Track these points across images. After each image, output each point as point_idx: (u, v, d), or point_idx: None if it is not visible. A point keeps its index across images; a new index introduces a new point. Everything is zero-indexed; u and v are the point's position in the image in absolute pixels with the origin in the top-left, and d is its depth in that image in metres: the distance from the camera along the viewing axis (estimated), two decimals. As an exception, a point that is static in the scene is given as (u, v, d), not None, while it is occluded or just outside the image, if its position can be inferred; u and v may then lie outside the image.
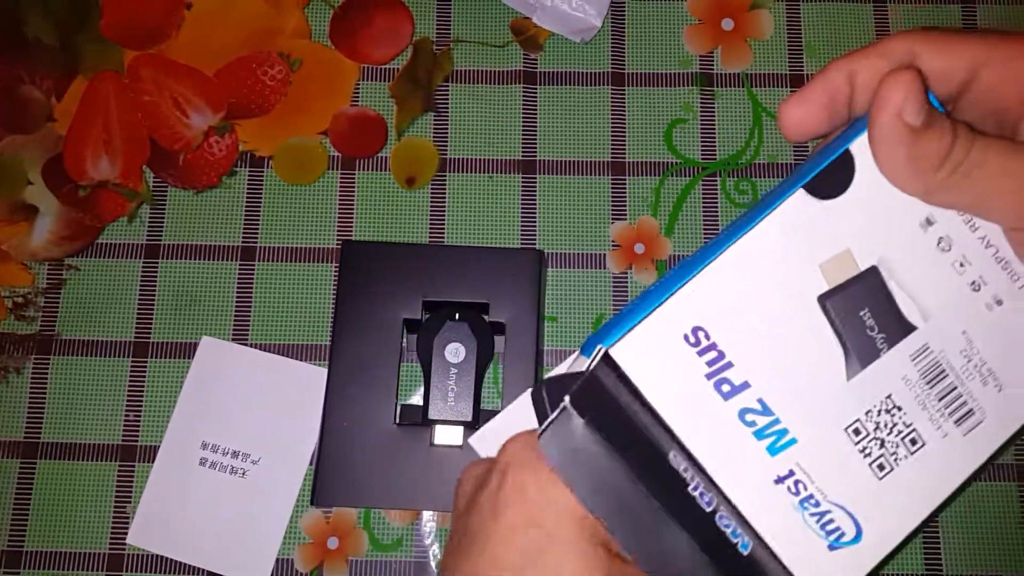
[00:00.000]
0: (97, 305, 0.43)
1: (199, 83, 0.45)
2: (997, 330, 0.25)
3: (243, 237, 0.44)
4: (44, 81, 0.45)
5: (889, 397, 0.25)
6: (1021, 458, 0.40)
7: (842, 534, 0.24)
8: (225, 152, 0.44)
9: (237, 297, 0.43)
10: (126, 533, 0.40)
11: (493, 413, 0.39)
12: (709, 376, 0.24)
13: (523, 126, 0.45)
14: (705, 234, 0.43)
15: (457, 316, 0.39)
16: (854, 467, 0.24)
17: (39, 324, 0.43)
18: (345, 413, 0.39)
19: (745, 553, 0.24)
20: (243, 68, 0.45)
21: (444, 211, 0.44)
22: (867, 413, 0.24)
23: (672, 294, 0.24)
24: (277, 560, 0.40)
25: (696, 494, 0.24)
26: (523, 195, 0.44)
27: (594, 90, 0.45)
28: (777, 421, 0.24)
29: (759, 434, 0.24)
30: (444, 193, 0.44)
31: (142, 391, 0.42)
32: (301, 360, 0.42)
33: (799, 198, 0.24)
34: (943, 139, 0.22)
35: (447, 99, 0.45)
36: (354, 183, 0.44)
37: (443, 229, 0.44)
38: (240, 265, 0.43)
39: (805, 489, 0.24)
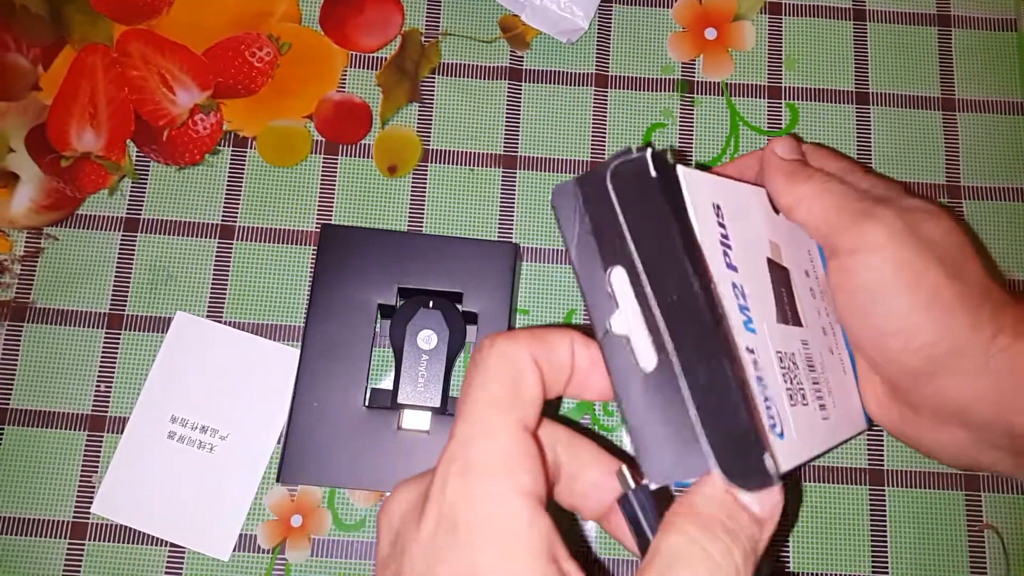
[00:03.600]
0: (74, 275, 0.43)
1: (187, 61, 0.45)
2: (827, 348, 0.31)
3: (223, 215, 0.44)
4: (31, 50, 0.45)
5: (792, 355, 0.28)
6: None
7: (775, 425, 0.25)
8: (209, 130, 0.45)
9: (214, 275, 0.43)
10: (91, 502, 0.40)
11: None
12: (720, 242, 0.26)
13: (506, 121, 0.46)
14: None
15: (431, 304, 0.40)
16: (779, 382, 0.27)
17: (14, 291, 0.43)
18: (315, 393, 0.39)
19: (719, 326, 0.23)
20: (232, 48, 0.45)
21: (424, 201, 0.45)
22: (782, 353, 0.28)
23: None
24: (240, 535, 0.40)
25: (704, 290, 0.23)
26: (502, 189, 0.45)
27: (577, 90, 0.46)
28: (748, 309, 0.26)
29: (740, 308, 0.26)
30: (425, 183, 0.45)
31: (114, 362, 0.42)
32: (274, 340, 0.42)
33: None
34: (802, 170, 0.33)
35: (433, 91, 0.46)
36: (336, 168, 0.45)
37: (422, 218, 0.44)
38: (218, 243, 0.44)
39: (760, 370, 0.25)
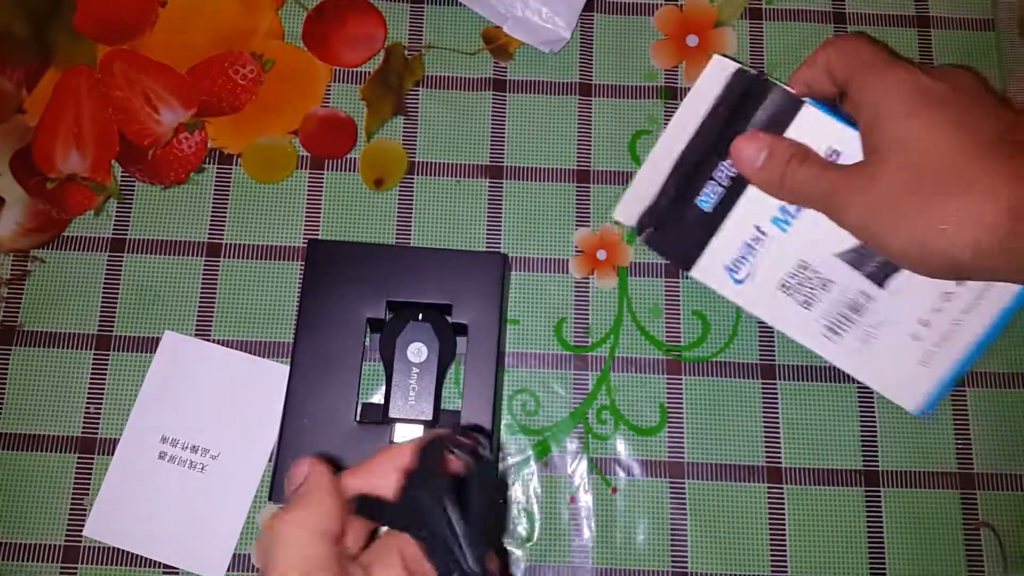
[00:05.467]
0: (61, 297, 0.43)
1: (171, 80, 0.45)
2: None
3: (209, 233, 0.44)
4: (15, 72, 0.45)
5: (817, 270, 0.38)
6: (964, 467, 0.42)
7: (735, 270, 0.39)
8: (194, 149, 0.45)
9: (201, 293, 0.43)
10: (83, 525, 0.40)
11: (453, 413, 0.40)
12: None
13: (491, 132, 0.46)
14: (665, 243, 0.44)
15: (420, 317, 0.40)
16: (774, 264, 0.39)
17: (1, 314, 0.42)
18: (306, 410, 0.39)
19: (704, 208, 0.39)
20: (215, 66, 0.46)
21: (411, 213, 0.45)
22: (805, 261, 0.39)
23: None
24: (234, 555, 0.40)
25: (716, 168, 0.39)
26: (489, 200, 0.45)
27: (561, 99, 0.46)
28: (789, 222, 0.39)
29: (781, 213, 0.39)
30: (411, 195, 0.45)
31: (103, 384, 0.42)
32: (263, 357, 0.42)
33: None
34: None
35: (417, 103, 0.46)
36: (322, 183, 0.45)
37: (409, 231, 0.44)
38: (205, 261, 0.44)
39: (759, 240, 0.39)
